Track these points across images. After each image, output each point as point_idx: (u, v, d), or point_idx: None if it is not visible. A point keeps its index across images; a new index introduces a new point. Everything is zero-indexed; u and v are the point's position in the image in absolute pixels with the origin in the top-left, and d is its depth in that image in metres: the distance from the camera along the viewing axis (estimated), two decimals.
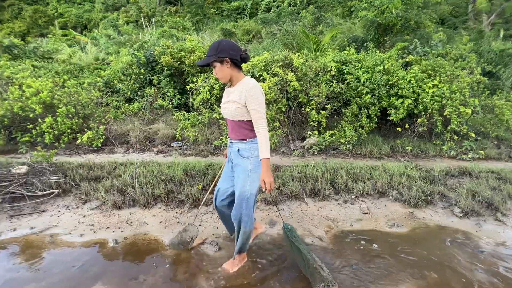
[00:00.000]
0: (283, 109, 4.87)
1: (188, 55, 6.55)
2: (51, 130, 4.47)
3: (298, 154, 4.58)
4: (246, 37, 12.14)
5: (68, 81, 5.18)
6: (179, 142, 5.16)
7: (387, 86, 4.78)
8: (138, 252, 2.10)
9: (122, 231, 2.35)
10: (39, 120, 4.47)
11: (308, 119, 4.95)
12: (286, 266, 1.96)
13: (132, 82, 6.47)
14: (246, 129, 1.69)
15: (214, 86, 5.39)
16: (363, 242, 2.24)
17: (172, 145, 5.06)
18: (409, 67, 5.10)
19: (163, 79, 6.29)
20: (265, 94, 4.70)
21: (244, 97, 1.59)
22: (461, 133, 4.58)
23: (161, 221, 2.47)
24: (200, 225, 2.41)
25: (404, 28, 6.25)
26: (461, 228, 2.48)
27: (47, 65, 7.86)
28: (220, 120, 5.23)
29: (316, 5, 16.59)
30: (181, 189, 2.94)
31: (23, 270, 1.91)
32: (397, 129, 4.71)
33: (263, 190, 1.66)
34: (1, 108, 4.49)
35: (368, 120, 4.77)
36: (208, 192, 2.41)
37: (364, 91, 4.75)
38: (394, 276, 1.90)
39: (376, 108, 4.75)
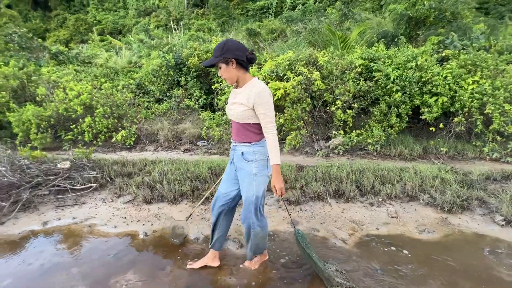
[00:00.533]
0: (307, 109, 4.80)
1: None
2: (90, 129, 4.86)
3: (323, 154, 4.50)
4: (270, 36, 12.13)
5: (105, 83, 5.59)
6: (205, 141, 5.33)
7: (419, 83, 4.50)
8: (165, 245, 2.23)
9: (151, 225, 2.50)
10: (80, 120, 4.88)
11: (334, 119, 4.83)
12: (306, 264, 1.95)
13: (161, 83, 6.80)
14: (252, 131, 1.64)
15: None
16: (389, 247, 2.15)
17: (198, 144, 5.23)
18: (445, 63, 4.76)
19: (190, 80, 6.52)
20: (289, 94, 4.68)
21: (252, 101, 1.54)
22: (506, 134, 4.17)
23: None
24: None
25: (438, 20, 5.82)
26: (502, 238, 2.27)
27: (87, 69, 8.54)
28: None
29: (343, 0, 16.06)
30: (206, 187, 3.04)
31: (67, 255, 2.12)
32: (431, 129, 4.42)
33: (274, 195, 1.66)
34: (49, 109, 4.98)
35: (398, 119, 4.53)
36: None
37: (394, 89, 4.52)
38: (423, 283, 1.80)
39: (407, 106, 4.50)
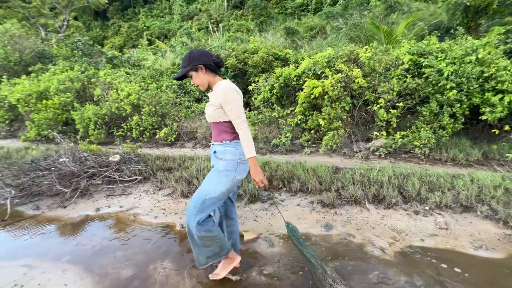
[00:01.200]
0: (347, 108, 4.58)
1: (251, 55, 6.81)
2: (137, 127, 5.31)
3: (362, 156, 4.24)
4: (309, 33, 11.84)
5: (151, 84, 6.04)
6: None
7: (480, 80, 3.96)
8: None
9: None
10: (129, 118, 5.36)
11: (375, 119, 4.53)
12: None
13: None
14: (224, 131, 1.68)
15: (274, 86, 5.46)
16: (437, 262, 1.92)
17: None
18: None
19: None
20: (327, 92, 4.51)
21: (220, 100, 1.60)
22: None
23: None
24: (255, 220, 2.50)
25: (504, 7, 5.04)
26: None
27: (136, 71, 9.33)
28: (279, 119, 5.28)
29: None
30: (240, 185, 3.09)
31: (114, 240, 2.34)
32: (494, 131, 3.87)
33: (257, 187, 1.61)
34: (103, 108, 5.56)
35: (452, 120, 4.05)
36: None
37: (448, 86, 4.05)
38: None
39: (464, 106, 4.00)
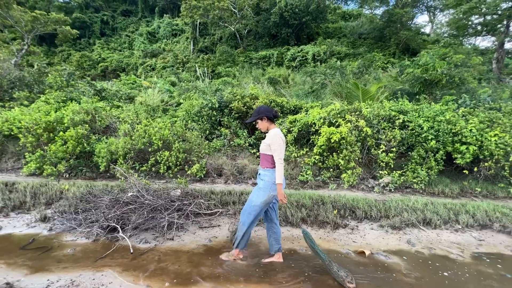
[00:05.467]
0: (358, 151, 5.63)
1: (252, 101, 7.61)
2: (166, 162, 5.30)
3: (378, 191, 5.18)
4: (287, 84, 13.66)
5: (177, 122, 6.18)
6: None
7: (451, 134, 5.53)
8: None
9: (292, 243, 2.93)
10: (156, 153, 5.32)
11: (378, 160, 5.65)
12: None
13: (205, 122, 7.45)
14: (267, 160, 2.50)
15: (291, 130, 6.29)
16: (497, 260, 2.73)
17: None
18: (466, 116, 5.91)
19: (233, 121, 7.24)
20: (345, 138, 5.52)
21: (269, 141, 2.46)
22: None
23: (320, 237, 3.06)
24: (354, 242, 2.99)
25: (449, 83, 7.27)
26: None
27: (128, 105, 9.12)
28: (297, 159, 6.00)
29: (338, 56, 18.59)
30: (313, 214, 3.56)
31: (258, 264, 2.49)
32: (465, 171, 5.33)
33: (280, 203, 2.46)
34: (128, 142, 5.41)
35: (436, 162, 5.42)
36: None
37: (430, 137, 5.50)
38: None
39: (441, 152, 5.44)
